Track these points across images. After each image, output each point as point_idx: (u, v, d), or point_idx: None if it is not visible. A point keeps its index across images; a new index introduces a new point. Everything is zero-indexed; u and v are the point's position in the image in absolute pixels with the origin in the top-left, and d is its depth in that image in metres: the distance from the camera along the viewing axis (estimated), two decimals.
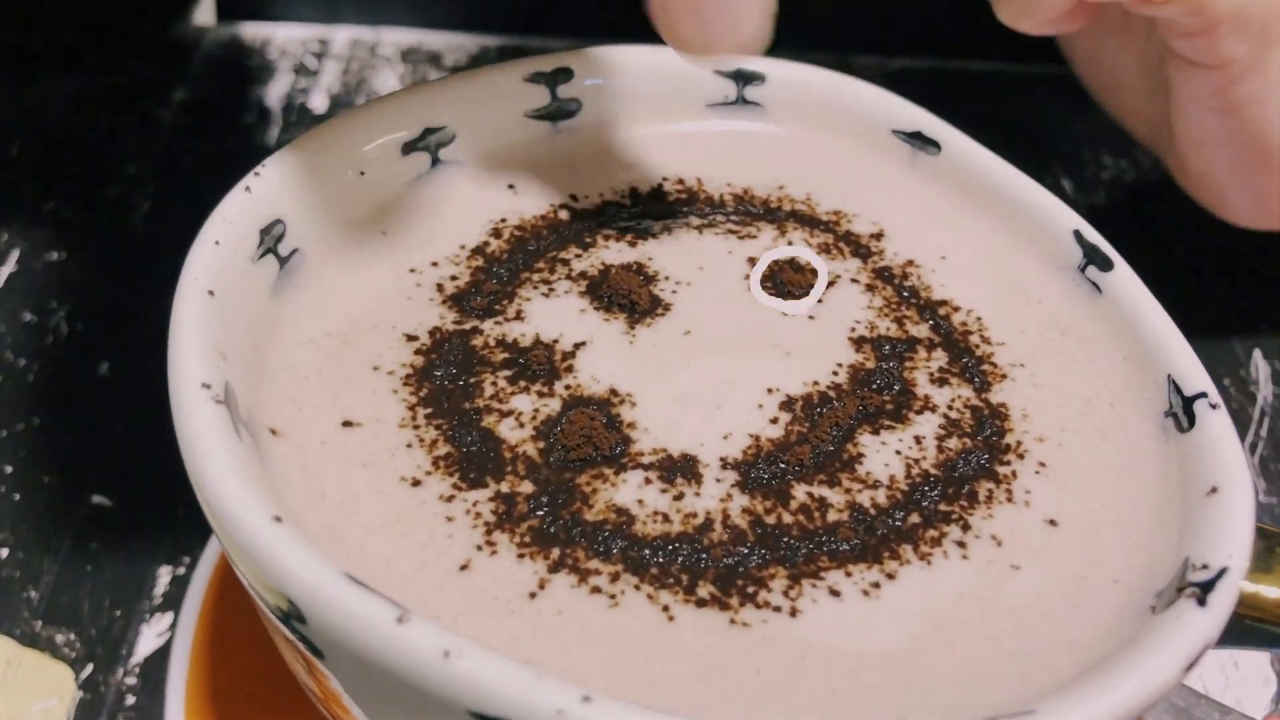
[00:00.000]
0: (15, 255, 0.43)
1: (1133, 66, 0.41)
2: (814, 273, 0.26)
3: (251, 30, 0.54)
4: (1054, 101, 0.55)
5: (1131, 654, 0.18)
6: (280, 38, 0.54)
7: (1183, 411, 0.23)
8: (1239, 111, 0.35)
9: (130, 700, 0.31)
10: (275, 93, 0.51)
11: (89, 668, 0.32)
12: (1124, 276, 0.25)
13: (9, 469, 0.36)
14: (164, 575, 0.34)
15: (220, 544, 0.19)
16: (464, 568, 0.20)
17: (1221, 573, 0.19)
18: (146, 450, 0.37)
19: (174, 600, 0.33)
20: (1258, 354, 0.44)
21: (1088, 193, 0.50)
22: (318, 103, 0.51)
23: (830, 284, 0.26)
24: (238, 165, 0.48)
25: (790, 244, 0.26)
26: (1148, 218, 0.49)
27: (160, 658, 0.32)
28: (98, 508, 0.35)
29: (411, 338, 0.23)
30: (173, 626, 0.32)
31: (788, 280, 0.25)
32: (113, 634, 0.33)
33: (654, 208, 0.27)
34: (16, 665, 0.32)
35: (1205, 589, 0.19)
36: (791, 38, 0.56)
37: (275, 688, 0.28)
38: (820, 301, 0.25)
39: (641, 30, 0.56)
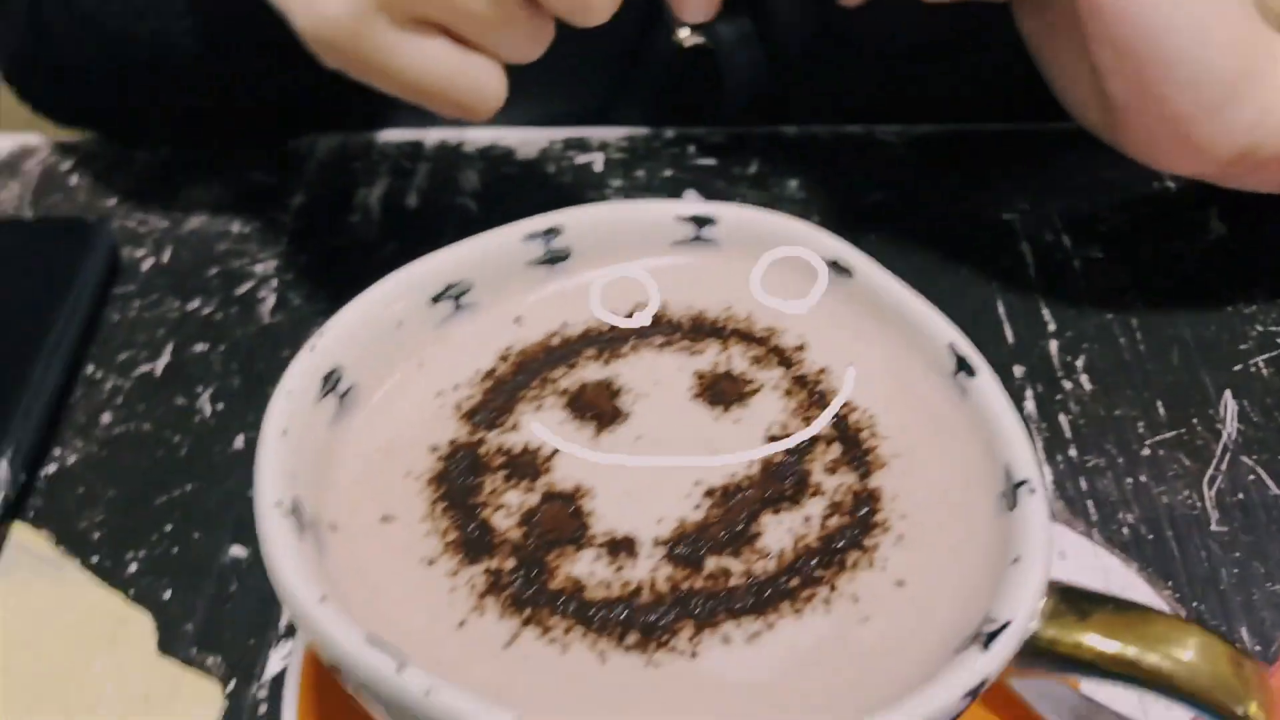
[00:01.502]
0: (169, 348, 0.53)
1: (1074, 51, 0.47)
2: (746, 382, 0.33)
3: (355, 138, 0.64)
4: (1060, 158, 0.60)
5: (929, 686, 0.25)
6: (380, 142, 0.63)
7: (1010, 494, 0.29)
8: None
9: (263, 709, 0.41)
10: (376, 194, 0.60)
11: (232, 683, 0.41)
12: (984, 381, 0.31)
13: (169, 527, 0.46)
14: (286, 612, 0.43)
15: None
16: (461, 624, 0.28)
17: (1005, 625, 0.26)
18: None
19: (294, 631, 0.43)
20: (1228, 394, 0.49)
21: (1084, 245, 0.55)
22: (412, 201, 0.60)
23: (755, 391, 0.33)
24: (345, 261, 0.57)
25: (729, 357, 0.34)
26: (1138, 266, 0.55)
27: (284, 676, 0.42)
28: (235, 558, 0.45)
29: (434, 448, 0.32)
30: (288, 655, 0.42)
31: (724, 390, 0.33)
32: (248, 658, 0.42)
33: (625, 331, 0.35)
34: (180, 682, 0.42)
35: (990, 637, 0.26)
36: (822, 114, 0.63)
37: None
38: (746, 406, 0.33)
39: (680, 118, 0.63)
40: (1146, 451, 0.47)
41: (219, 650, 0.42)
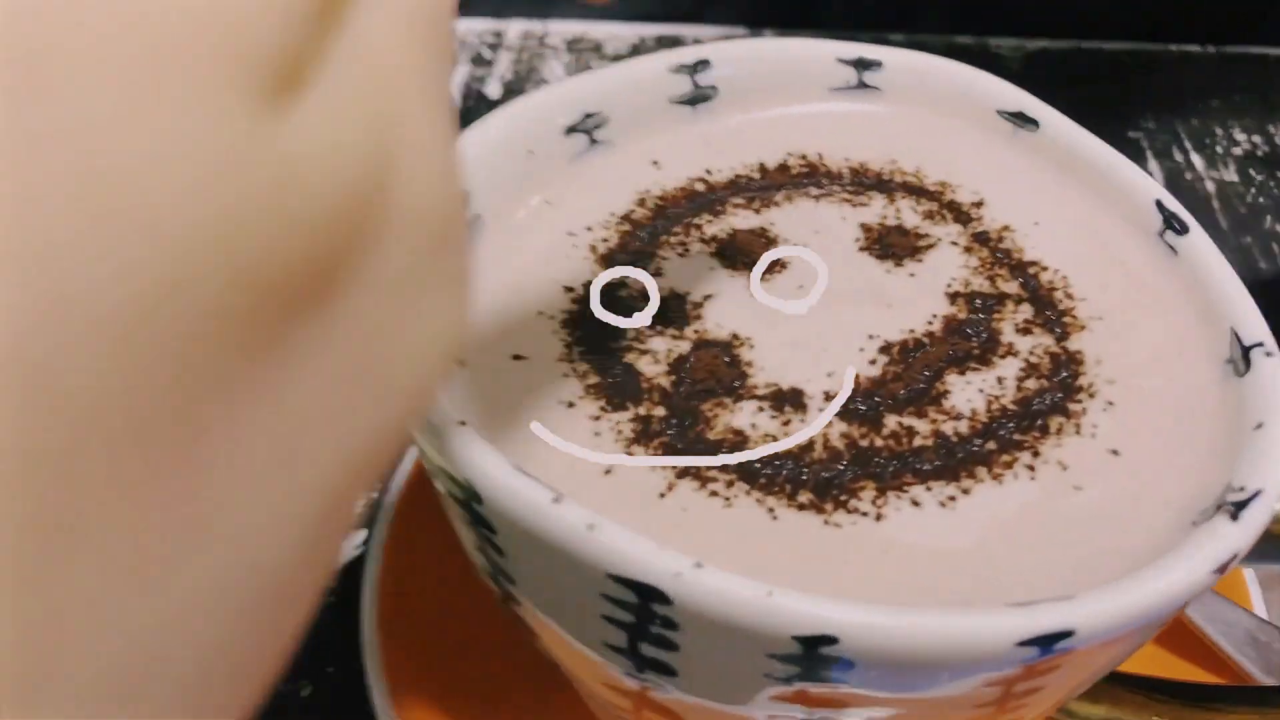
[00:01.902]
0: None
1: None
2: (920, 237, 0.29)
3: None
4: (1190, 79, 0.56)
5: (1168, 558, 0.22)
6: (459, 30, 0.59)
7: (1241, 359, 0.25)
8: None
9: (330, 600, 0.37)
10: (456, 81, 0.56)
11: None
12: (1198, 240, 0.28)
13: None
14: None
15: (419, 447, 0.24)
16: (607, 472, 0.24)
17: (1256, 494, 0.22)
18: None
19: (367, 520, 0.39)
20: None
21: (1217, 168, 0.51)
22: (493, 90, 0.56)
23: (931, 246, 0.29)
24: None
25: (898, 211, 0.30)
26: (1278, 192, 0.51)
27: (354, 566, 0.38)
28: None
29: (569, 289, 0.28)
30: (366, 540, 0.38)
31: (894, 243, 0.29)
32: None
33: (778, 179, 0.31)
34: None
35: (1239, 506, 0.22)
36: (934, 23, 0.59)
37: (448, 585, 0.34)
38: (920, 261, 0.29)
39: (783, 19, 0.60)
40: None
41: None
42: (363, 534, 0.38)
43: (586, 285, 0.28)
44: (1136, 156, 0.52)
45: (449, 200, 0.14)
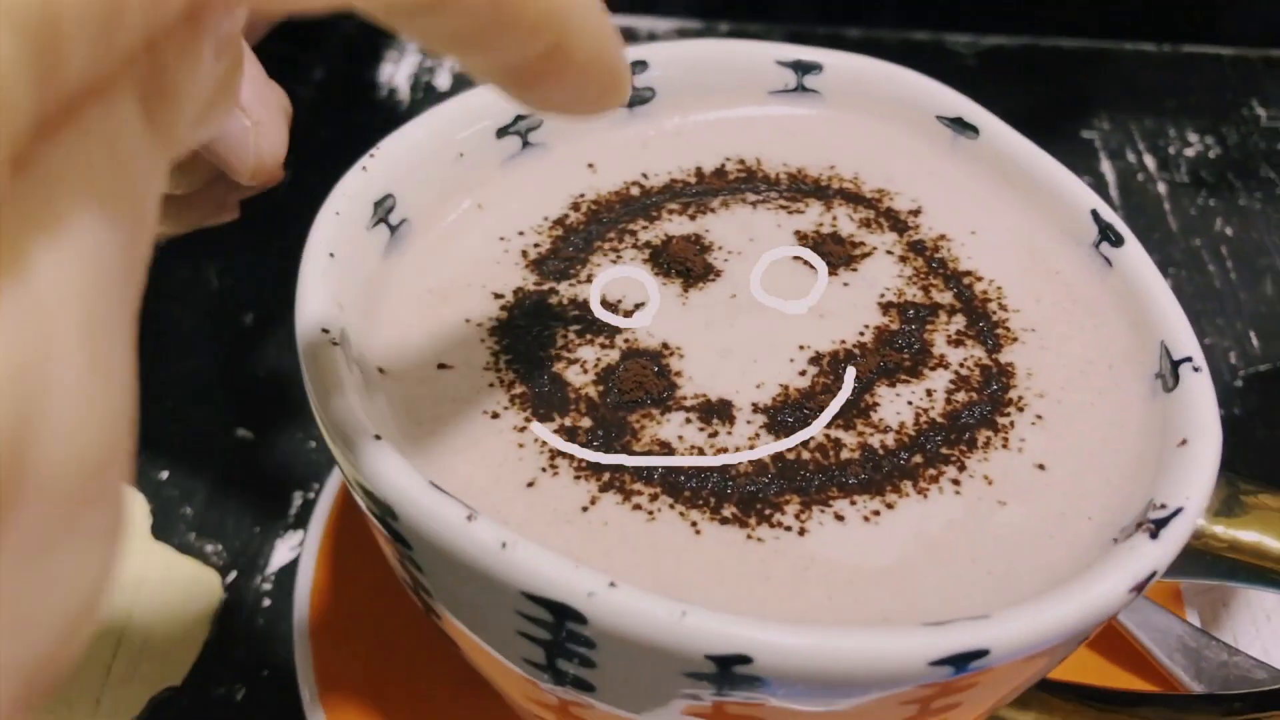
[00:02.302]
0: None
1: None
2: (855, 245, 0.29)
3: None
4: (1145, 78, 0.56)
5: (1085, 576, 0.22)
6: None
7: (1170, 373, 0.25)
8: None
9: (266, 603, 0.37)
10: (404, 72, 0.56)
11: (233, 574, 0.37)
12: (1133, 252, 0.27)
13: (169, 404, 0.42)
14: (296, 499, 0.39)
15: (337, 460, 0.24)
16: (530, 485, 0.24)
17: (1176, 512, 0.22)
18: (283, 391, 0.42)
19: (304, 520, 0.39)
20: None
21: (1169, 170, 0.51)
22: (443, 81, 0.55)
23: (866, 255, 0.29)
24: (367, 140, 0.53)
25: (834, 219, 0.30)
26: (1227, 194, 0.51)
27: (292, 568, 0.37)
28: (241, 439, 0.41)
29: (498, 295, 0.28)
30: (302, 543, 0.38)
31: (830, 252, 0.29)
32: (253, 547, 0.38)
33: (715, 185, 0.31)
34: (175, 569, 0.38)
35: (1160, 524, 0.22)
36: (889, 19, 0.59)
37: (380, 588, 0.33)
38: (855, 270, 0.28)
39: (738, 12, 0.59)
40: (1240, 384, 0.43)
41: (220, 538, 0.38)
42: (299, 535, 0.38)
43: (516, 292, 0.28)
44: (1090, 156, 0.52)
45: (100, 449, 0.12)
